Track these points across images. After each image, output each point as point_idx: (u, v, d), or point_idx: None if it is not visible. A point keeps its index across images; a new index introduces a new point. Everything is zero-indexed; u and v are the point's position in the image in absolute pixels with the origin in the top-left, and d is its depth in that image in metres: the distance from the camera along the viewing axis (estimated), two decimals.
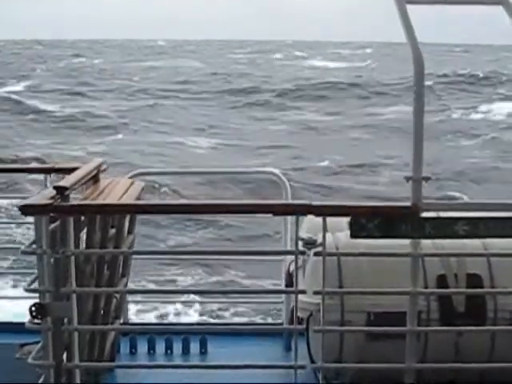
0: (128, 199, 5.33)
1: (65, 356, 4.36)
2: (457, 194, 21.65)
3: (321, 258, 4.29)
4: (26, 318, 4.32)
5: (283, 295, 6.40)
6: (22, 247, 4.43)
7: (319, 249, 4.31)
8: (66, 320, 4.31)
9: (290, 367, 4.48)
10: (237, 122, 38.60)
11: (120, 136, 33.90)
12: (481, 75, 55.85)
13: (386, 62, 76.62)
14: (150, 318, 12.21)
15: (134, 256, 6.09)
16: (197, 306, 12.61)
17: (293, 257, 4.50)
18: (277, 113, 41.53)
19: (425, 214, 4.15)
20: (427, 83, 4.21)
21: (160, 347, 6.15)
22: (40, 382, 4.46)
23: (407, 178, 4.10)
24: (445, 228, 4.14)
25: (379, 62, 78.42)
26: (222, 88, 51.22)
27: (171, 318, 12.46)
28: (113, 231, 5.21)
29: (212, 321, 12.35)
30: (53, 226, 4.29)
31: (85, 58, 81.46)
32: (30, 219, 4.36)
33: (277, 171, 6.84)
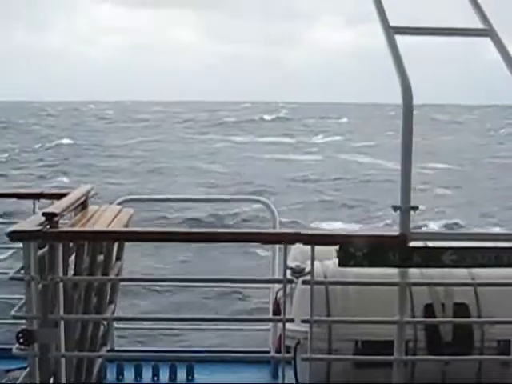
0: (117, 226, 5.32)
1: (51, 382, 4.34)
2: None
3: (309, 286, 4.29)
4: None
5: (270, 323, 6.38)
6: (11, 273, 4.41)
7: (307, 277, 4.31)
8: (53, 346, 4.29)
9: None
10: None
11: None
12: None
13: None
14: (137, 344, 12.13)
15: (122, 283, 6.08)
16: (184, 333, 12.53)
17: (280, 285, 4.49)
18: None
19: (413, 244, 4.17)
20: None
21: (147, 374, 6.12)
22: None
23: (395, 208, 4.11)
24: (432, 257, 4.16)
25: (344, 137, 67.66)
26: None
27: (158, 345, 12.38)
28: (101, 258, 5.20)
29: (199, 348, 12.26)
30: (41, 252, 4.27)
31: None
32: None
33: (266, 199, 6.88)
